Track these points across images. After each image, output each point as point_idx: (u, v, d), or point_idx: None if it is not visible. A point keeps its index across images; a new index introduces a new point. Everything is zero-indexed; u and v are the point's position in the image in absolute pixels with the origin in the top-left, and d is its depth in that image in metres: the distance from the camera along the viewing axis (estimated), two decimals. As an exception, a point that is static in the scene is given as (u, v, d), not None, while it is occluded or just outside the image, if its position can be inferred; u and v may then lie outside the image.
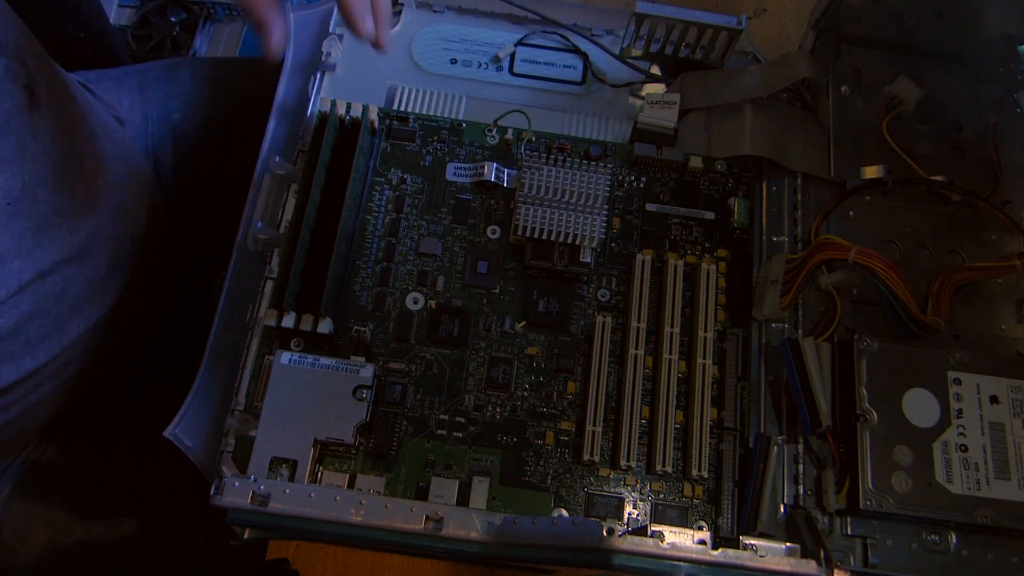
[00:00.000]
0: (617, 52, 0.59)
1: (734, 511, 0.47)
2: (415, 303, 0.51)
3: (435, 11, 0.62)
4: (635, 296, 0.51)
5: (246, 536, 0.44)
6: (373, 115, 0.54)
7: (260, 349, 0.48)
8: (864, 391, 0.47)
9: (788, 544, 0.44)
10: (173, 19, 1.05)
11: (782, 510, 0.47)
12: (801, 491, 0.47)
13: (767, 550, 0.44)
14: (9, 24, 0.48)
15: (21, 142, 0.46)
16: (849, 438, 0.47)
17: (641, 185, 0.55)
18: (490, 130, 0.56)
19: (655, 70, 0.60)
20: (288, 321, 0.47)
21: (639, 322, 0.50)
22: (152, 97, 0.67)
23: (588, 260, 0.51)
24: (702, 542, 0.45)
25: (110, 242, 0.55)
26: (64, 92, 0.52)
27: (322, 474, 0.47)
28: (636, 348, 0.49)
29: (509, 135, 0.55)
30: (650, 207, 0.55)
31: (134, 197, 0.59)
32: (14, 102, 0.46)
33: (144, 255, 0.60)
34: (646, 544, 0.42)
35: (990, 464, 0.46)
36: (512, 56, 0.61)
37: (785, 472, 0.48)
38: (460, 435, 0.48)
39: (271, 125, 0.57)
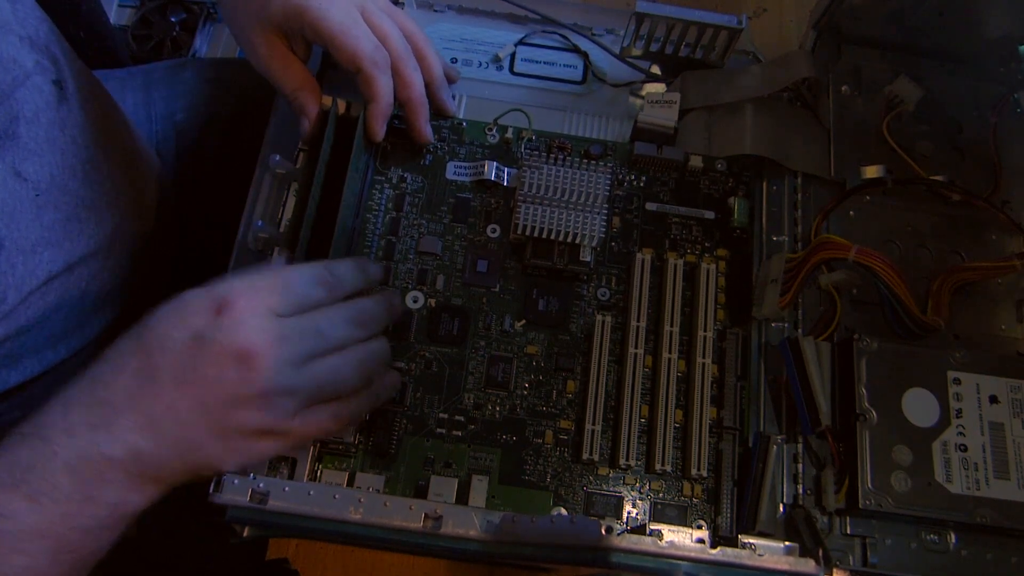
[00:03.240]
0: (617, 51, 0.59)
1: (733, 510, 0.47)
2: (415, 302, 0.51)
3: (435, 11, 0.62)
4: (635, 295, 0.51)
5: (246, 534, 0.44)
6: (373, 114, 0.54)
7: (260, 347, 0.48)
8: (864, 391, 0.47)
9: (787, 543, 0.44)
10: (173, 19, 1.05)
11: (781, 509, 0.47)
12: (800, 490, 0.47)
13: (766, 549, 0.44)
14: (40, 20, 0.49)
15: (50, 135, 0.47)
16: (848, 438, 0.47)
17: (641, 184, 0.55)
18: (490, 129, 0.56)
19: (655, 69, 0.60)
20: (288, 319, 0.47)
21: (639, 321, 0.50)
22: (156, 97, 0.68)
23: (588, 259, 0.51)
24: (701, 541, 0.45)
25: (130, 239, 0.56)
26: (92, 88, 0.53)
27: (321, 472, 0.47)
28: (636, 347, 0.49)
29: (509, 134, 0.55)
30: (650, 206, 0.55)
31: (150, 194, 0.60)
32: (43, 96, 0.47)
33: (156, 253, 0.61)
34: (644, 542, 0.42)
35: (989, 464, 0.46)
36: (512, 55, 0.61)
37: (784, 471, 0.48)
38: (459, 434, 0.48)
39: (272, 124, 0.57)
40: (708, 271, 0.51)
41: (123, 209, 0.55)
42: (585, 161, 0.52)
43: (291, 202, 0.51)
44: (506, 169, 0.54)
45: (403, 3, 0.62)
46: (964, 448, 0.46)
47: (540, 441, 0.48)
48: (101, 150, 0.52)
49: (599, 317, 0.50)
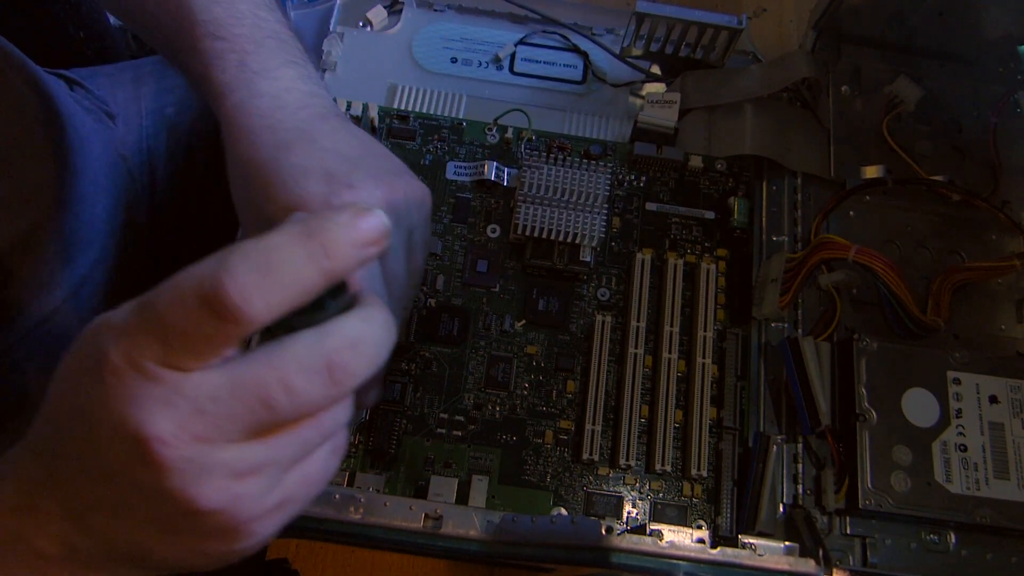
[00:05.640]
0: (617, 51, 0.59)
1: (733, 510, 0.47)
2: (415, 302, 0.51)
3: (435, 10, 0.62)
4: (635, 295, 0.51)
5: (245, 534, 0.44)
6: (373, 113, 0.54)
7: (260, 347, 0.48)
8: (863, 391, 0.47)
9: (787, 543, 0.44)
10: (174, 18, 1.05)
11: (781, 509, 0.47)
12: (800, 490, 0.47)
13: (766, 549, 0.44)
14: None
15: None
16: (848, 438, 0.47)
17: (641, 184, 0.55)
18: (490, 129, 0.56)
19: (655, 69, 0.60)
20: (288, 319, 0.47)
21: (639, 321, 0.50)
22: (146, 91, 0.67)
23: (588, 259, 0.51)
24: (701, 540, 0.45)
25: (60, 235, 0.52)
26: (27, 88, 0.50)
27: (321, 472, 0.47)
28: (636, 347, 0.49)
29: (509, 134, 0.55)
30: (650, 206, 0.55)
31: (114, 190, 0.57)
32: None
33: (126, 250, 0.59)
34: (645, 542, 0.42)
35: (989, 464, 0.46)
36: (512, 55, 0.61)
37: (784, 471, 0.48)
38: (459, 434, 0.48)
39: (271, 123, 0.56)
40: (708, 271, 0.51)
41: (47, 204, 0.50)
42: (585, 161, 0.52)
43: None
44: (506, 169, 0.54)
45: (403, 3, 0.62)
46: (964, 448, 0.46)
47: (540, 441, 0.48)
48: (17, 147, 0.48)
49: (599, 317, 0.50)
